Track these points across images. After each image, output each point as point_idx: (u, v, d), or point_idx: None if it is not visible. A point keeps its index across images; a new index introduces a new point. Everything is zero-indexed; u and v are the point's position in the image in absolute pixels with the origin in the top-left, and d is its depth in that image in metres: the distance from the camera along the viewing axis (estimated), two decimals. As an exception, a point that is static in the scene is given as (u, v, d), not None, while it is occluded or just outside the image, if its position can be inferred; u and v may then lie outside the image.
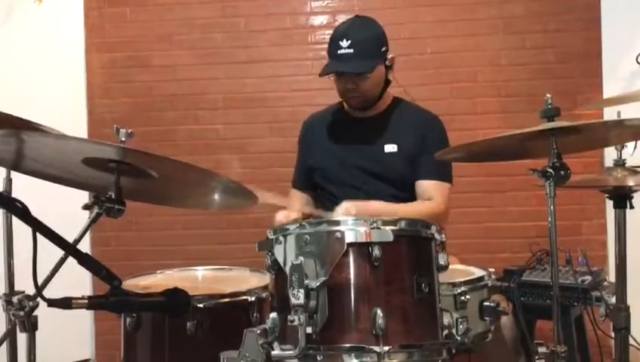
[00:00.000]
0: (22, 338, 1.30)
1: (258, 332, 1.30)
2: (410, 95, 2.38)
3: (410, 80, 3.08)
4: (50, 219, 1.27)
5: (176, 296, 1.40)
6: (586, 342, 2.31)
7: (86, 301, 1.28)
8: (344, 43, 2.10)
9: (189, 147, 3.28)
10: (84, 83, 3.33)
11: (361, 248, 1.32)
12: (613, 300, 2.04)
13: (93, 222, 1.42)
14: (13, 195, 1.41)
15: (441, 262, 1.42)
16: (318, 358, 1.27)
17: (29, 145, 1.41)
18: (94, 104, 3.34)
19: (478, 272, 1.87)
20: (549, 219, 1.60)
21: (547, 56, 3.16)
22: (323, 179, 2.30)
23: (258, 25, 3.30)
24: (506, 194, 3.15)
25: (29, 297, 1.25)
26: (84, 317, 3.22)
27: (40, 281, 1.27)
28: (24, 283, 1.35)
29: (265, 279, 1.70)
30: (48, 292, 1.27)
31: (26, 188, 1.67)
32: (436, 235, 1.43)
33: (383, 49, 2.18)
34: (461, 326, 1.42)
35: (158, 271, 2.02)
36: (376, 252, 1.30)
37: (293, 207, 2.22)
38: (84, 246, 1.45)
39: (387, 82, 2.23)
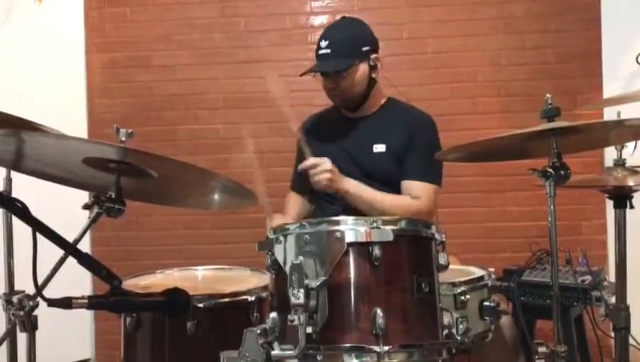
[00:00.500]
0: (22, 337, 1.30)
1: (258, 332, 1.30)
2: (404, 95, 2.37)
3: (411, 80, 3.11)
4: (50, 219, 1.27)
5: (176, 296, 1.40)
6: (585, 342, 2.31)
7: (86, 301, 1.28)
8: (323, 43, 2.16)
9: (189, 147, 3.28)
10: (84, 83, 3.33)
11: (361, 248, 1.31)
12: (613, 300, 2.04)
13: (93, 221, 1.43)
14: (13, 195, 1.41)
15: (441, 261, 1.42)
16: (318, 358, 1.27)
17: (29, 145, 1.41)
18: (94, 104, 3.34)
19: (478, 272, 1.87)
20: (549, 218, 1.60)
21: (547, 56, 3.16)
22: None
23: (258, 25, 3.30)
24: (505, 194, 3.15)
25: (29, 297, 1.25)
26: (84, 317, 3.22)
27: (40, 281, 1.27)
28: (24, 283, 1.35)
29: (265, 279, 1.70)
30: (48, 292, 1.27)
31: (26, 188, 1.67)
32: (436, 235, 1.43)
33: (365, 48, 2.19)
34: (461, 326, 1.42)
35: (158, 271, 2.01)
36: (377, 251, 1.30)
37: (287, 211, 2.32)
38: (84, 246, 1.46)
39: (372, 81, 2.23)
